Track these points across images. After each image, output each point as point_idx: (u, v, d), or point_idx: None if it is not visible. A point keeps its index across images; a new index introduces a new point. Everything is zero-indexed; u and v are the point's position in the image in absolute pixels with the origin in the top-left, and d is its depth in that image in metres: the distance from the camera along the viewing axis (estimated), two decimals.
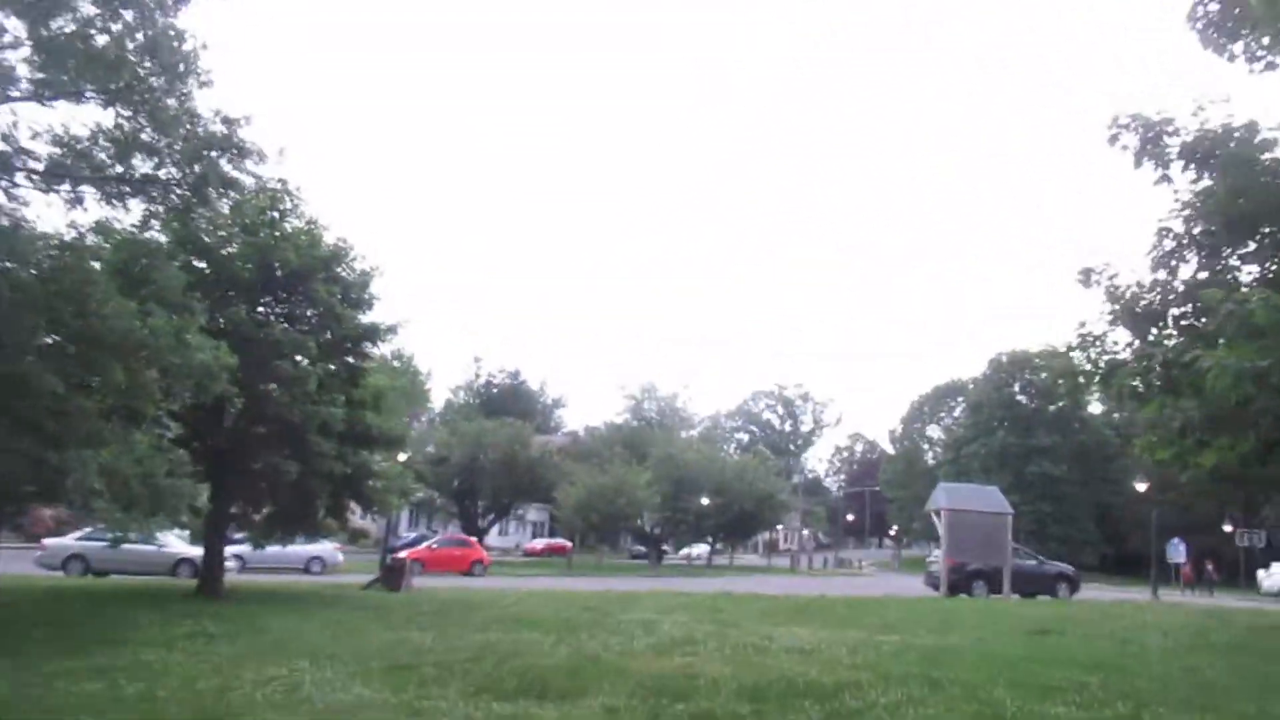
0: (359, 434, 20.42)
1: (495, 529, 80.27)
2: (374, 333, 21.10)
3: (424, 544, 41.61)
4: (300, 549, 36.10)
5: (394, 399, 23.67)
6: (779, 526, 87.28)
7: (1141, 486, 42.86)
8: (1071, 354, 12.45)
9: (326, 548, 36.68)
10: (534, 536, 78.06)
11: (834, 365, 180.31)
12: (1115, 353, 12.53)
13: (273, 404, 18.71)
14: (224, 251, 19.26)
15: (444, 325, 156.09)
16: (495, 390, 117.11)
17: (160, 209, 14.38)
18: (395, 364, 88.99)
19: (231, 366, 14.60)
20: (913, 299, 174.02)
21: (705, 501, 56.13)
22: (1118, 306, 12.55)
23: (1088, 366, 12.53)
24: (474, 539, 43.14)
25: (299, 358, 19.09)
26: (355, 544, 50.09)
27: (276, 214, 19.53)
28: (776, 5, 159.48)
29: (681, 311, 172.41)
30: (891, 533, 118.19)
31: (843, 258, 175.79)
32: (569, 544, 69.50)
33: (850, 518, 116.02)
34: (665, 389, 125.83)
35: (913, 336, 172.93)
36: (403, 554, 30.51)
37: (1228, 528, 58.76)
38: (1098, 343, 12.43)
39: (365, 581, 25.36)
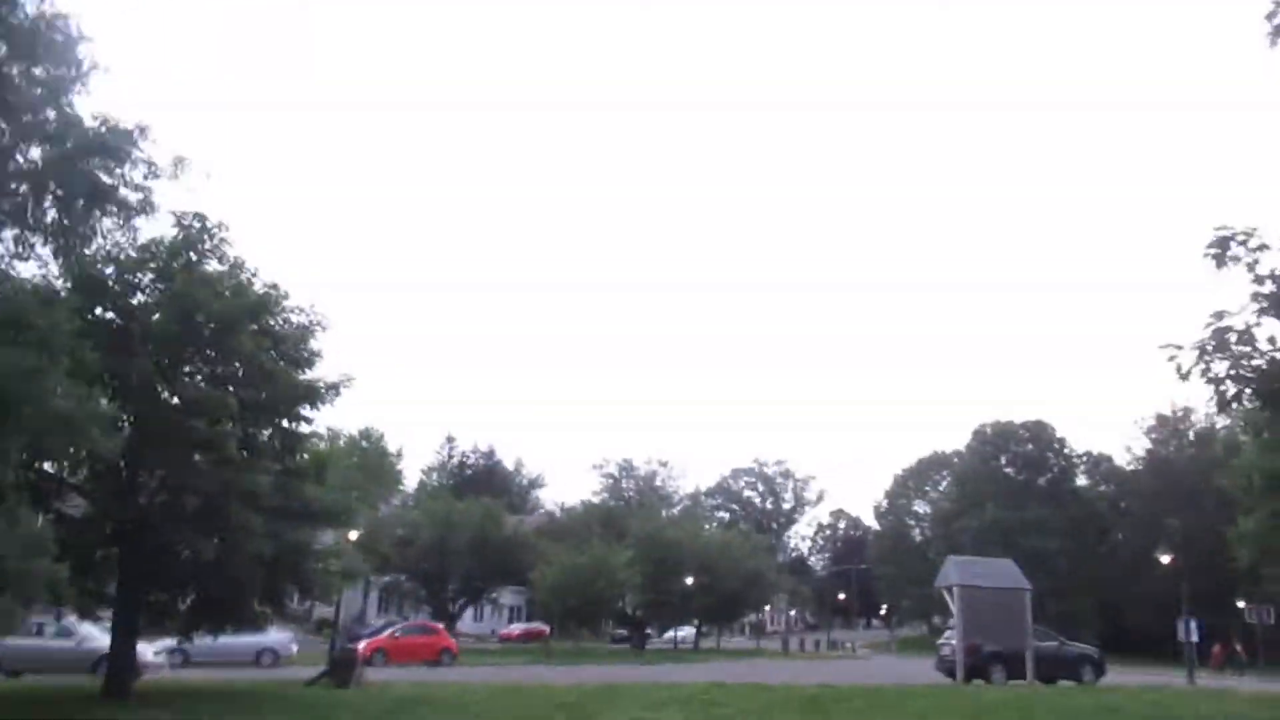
0: (295, 509, 17.65)
1: (469, 614, 76.53)
2: (312, 393, 18.37)
3: (386, 632, 38.23)
4: (250, 639, 33.05)
5: (343, 472, 20.92)
6: (766, 607, 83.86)
7: (1166, 558, 39.93)
8: (1206, 358, 9.60)
9: (280, 638, 33.44)
10: (510, 621, 74.43)
11: (814, 439, 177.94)
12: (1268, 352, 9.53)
13: (191, 473, 16.01)
14: (134, 300, 16.66)
15: (416, 405, 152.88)
16: (469, 471, 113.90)
17: (35, 238, 11.83)
18: (364, 443, 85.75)
19: (100, 419, 11.89)
20: (892, 370, 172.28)
21: (689, 581, 53.04)
22: (1272, 289, 9.35)
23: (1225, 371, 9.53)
24: (441, 625, 39.91)
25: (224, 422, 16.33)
26: (320, 633, 46.11)
27: (193, 255, 16.93)
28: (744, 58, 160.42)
29: (659, 388, 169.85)
30: (881, 612, 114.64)
31: (821, 329, 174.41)
32: (546, 629, 66.00)
33: (841, 596, 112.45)
34: (643, 467, 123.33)
35: (893, 408, 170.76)
36: (355, 643, 27.21)
37: (1241, 603, 55.73)
38: (1241, 339, 9.47)
39: (311, 676, 22.24)
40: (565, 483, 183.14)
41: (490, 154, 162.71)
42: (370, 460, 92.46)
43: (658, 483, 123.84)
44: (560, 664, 37.35)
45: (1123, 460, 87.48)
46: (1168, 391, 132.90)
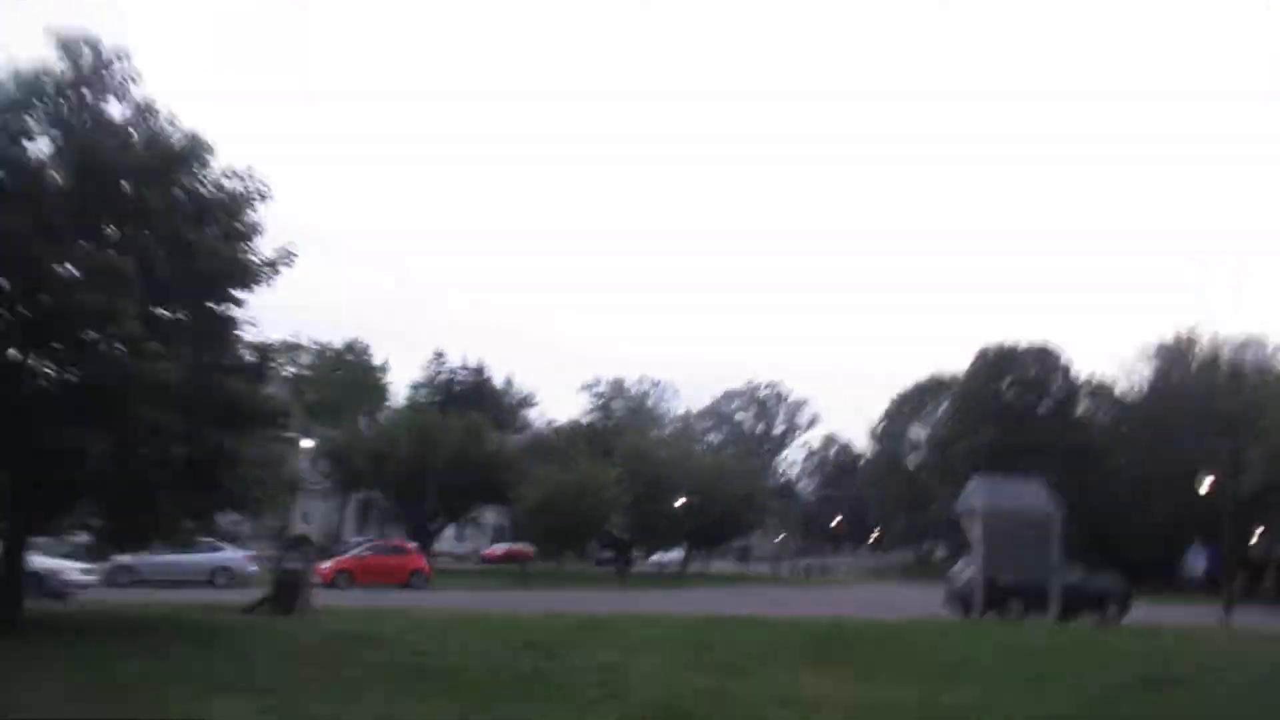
0: (219, 407, 14.82)
1: (450, 533, 74.41)
2: (242, 270, 15.43)
3: (353, 551, 35.78)
4: (203, 557, 30.68)
5: (294, 379, 18.08)
6: (757, 532, 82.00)
7: (1206, 482, 37.22)
8: None
9: (235, 556, 31.05)
10: (494, 541, 72.42)
11: (810, 360, 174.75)
12: None
13: (83, 358, 13.23)
14: (15, 150, 13.68)
15: (408, 320, 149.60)
16: (457, 388, 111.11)
17: None
18: (349, 356, 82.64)
19: None
20: (893, 290, 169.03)
21: (679, 503, 50.76)
22: None
23: None
24: (412, 545, 37.42)
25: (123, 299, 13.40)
26: (295, 550, 43.31)
27: (87, 91, 13.87)
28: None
29: (653, 307, 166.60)
30: (872, 538, 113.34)
31: (818, 245, 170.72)
32: (529, 551, 63.92)
33: (839, 519, 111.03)
34: (635, 388, 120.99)
35: (892, 329, 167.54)
36: (313, 563, 24.42)
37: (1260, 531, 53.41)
38: None
39: (251, 601, 19.70)
40: (556, 402, 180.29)
41: (482, 51, 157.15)
42: (354, 373, 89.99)
43: (649, 403, 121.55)
44: (538, 589, 35.13)
45: (1125, 387, 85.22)
46: (1172, 318, 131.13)
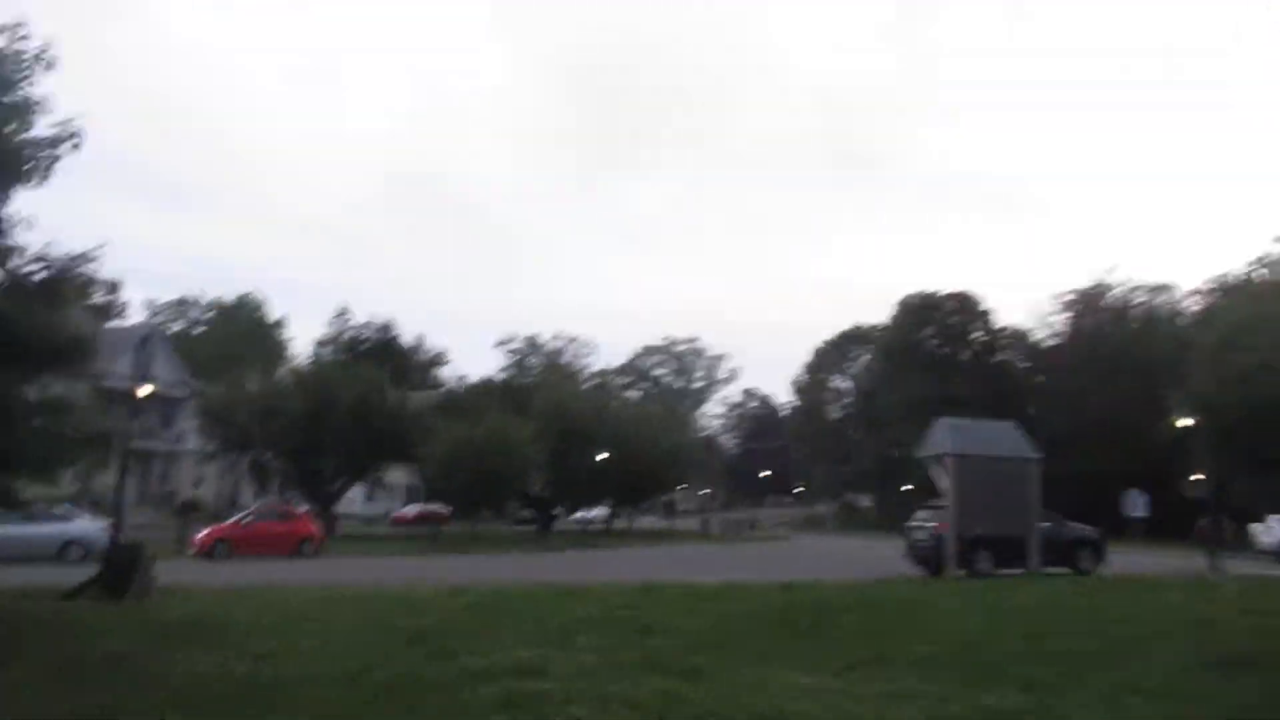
0: None
1: (359, 495, 70.05)
2: (15, 156, 11.52)
3: (232, 519, 31.72)
4: (51, 529, 26.56)
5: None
6: (682, 486, 79.27)
7: (1184, 420, 35.49)
8: None
9: (87, 527, 26.82)
10: (408, 503, 68.45)
11: (727, 316, 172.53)
12: None
13: None
14: None
15: (313, 276, 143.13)
16: (364, 346, 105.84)
17: None
18: (241, 311, 77.16)
19: None
20: (807, 240, 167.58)
21: (601, 457, 47.48)
22: None
23: None
24: (302, 509, 33.56)
25: None
26: (185, 517, 38.19)
27: None
28: None
29: (569, 265, 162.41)
30: (796, 491, 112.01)
31: (737, 198, 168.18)
32: (445, 511, 60.18)
33: (766, 474, 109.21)
34: (551, 344, 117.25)
35: (806, 281, 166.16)
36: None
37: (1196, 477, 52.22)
38: None
39: (76, 584, 15.84)
40: (469, 361, 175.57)
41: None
42: (248, 328, 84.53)
43: (566, 359, 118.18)
44: (448, 555, 31.64)
45: (1039, 336, 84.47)
46: (1085, 267, 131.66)
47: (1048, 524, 22.17)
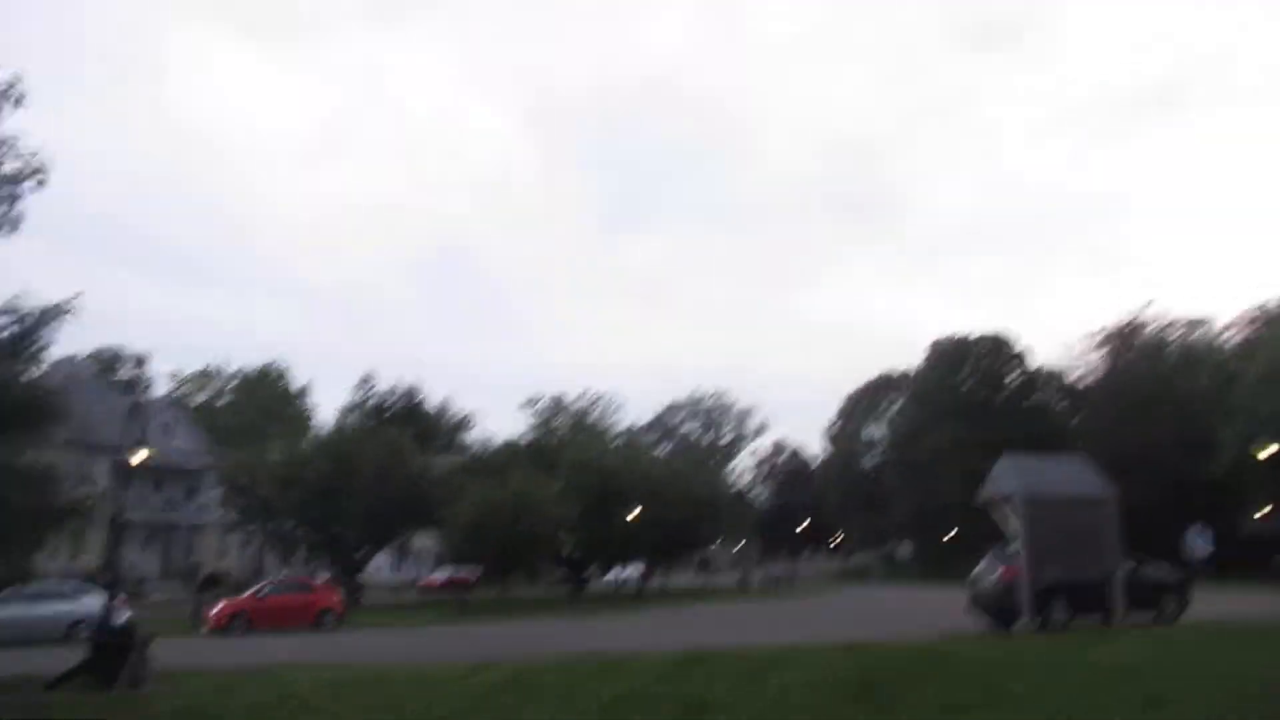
0: None
1: (386, 562, 68.30)
2: None
3: (249, 591, 30.17)
4: (59, 609, 25.20)
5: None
6: (718, 540, 77.02)
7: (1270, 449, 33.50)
8: None
9: (94, 605, 25.33)
10: (436, 568, 66.73)
11: (755, 369, 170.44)
12: None
13: None
14: None
15: (340, 347, 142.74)
16: (388, 413, 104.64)
17: None
18: (264, 380, 76.19)
19: None
20: (832, 291, 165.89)
21: (633, 514, 45.73)
22: None
23: None
24: (321, 580, 32.00)
25: None
26: (206, 591, 36.21)
27: None
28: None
29: (595, 325, 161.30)
30: (833, 543, 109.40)
31: (757, 249, 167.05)
32: (472, 577, 58.33)
33: (804, 525, 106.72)
34: (578, 404, 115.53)
35: (835, 331, 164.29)
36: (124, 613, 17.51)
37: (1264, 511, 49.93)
38: None
39: (61, 672, 14.36)
40: (499, 424, 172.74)
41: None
42: (271, 398, 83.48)
43: (593, 418, 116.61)
44: (477, 622, 29.98)
45: (1075, 374, 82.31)
46: (1115, 305, 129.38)
47: (1129, 566, 20.26)
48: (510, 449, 54.68)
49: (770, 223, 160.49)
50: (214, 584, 42.66)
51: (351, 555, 42.51)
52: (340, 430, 50.74)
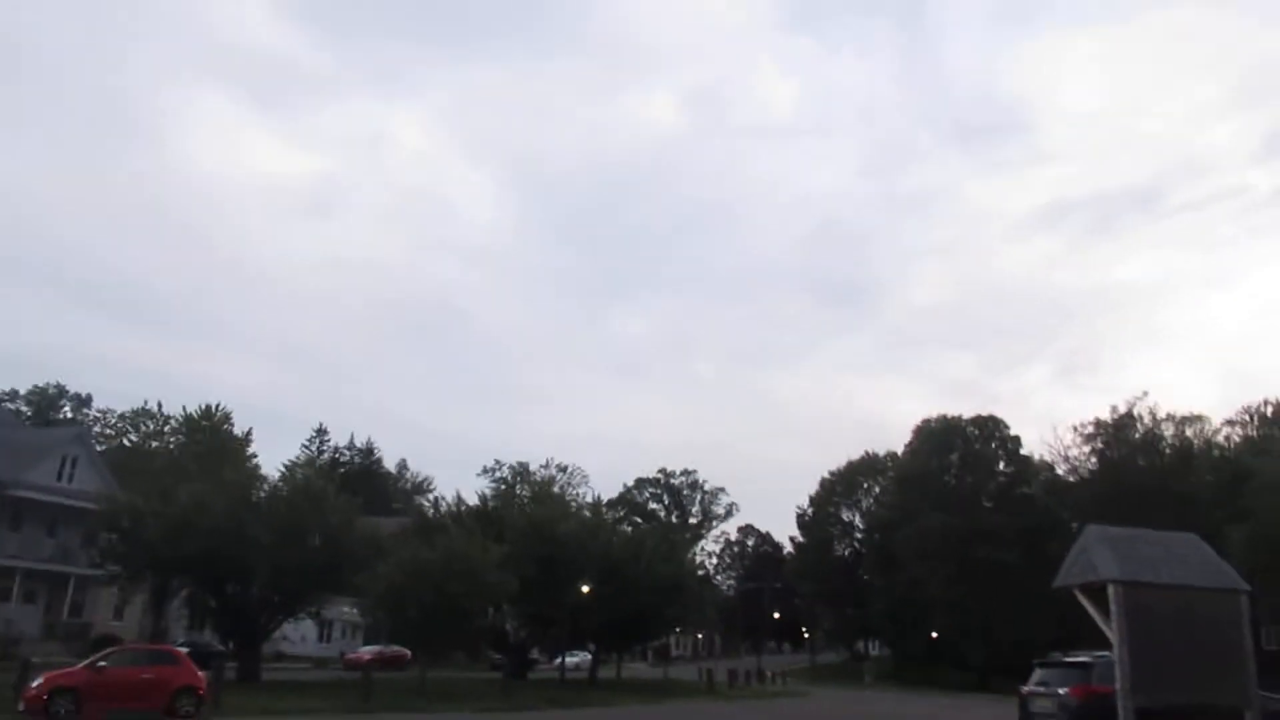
0: None
1: (310, 632, 61.40)
2: None
3: (85, 662, 23.66)
4: None
5: None
6: (679, 628, 70.64)
7: None
8: None
9: None
10: (368, 641, 60.14)
11: (725, 452, 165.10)
12: None
13: None
14: None
15: (290, 400, 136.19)
16: (343, 470, 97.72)
17: None
18: (203, 423, 69.16)
19: None
20: (806, 376, 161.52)
21: (586, 589, 39.69)
22: None
23: None
24: (182, 651, 25.56)
25: None
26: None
27: None
28: None
29: (571, 395, 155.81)
30: (803, 635, 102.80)
31: (732, 331, 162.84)
32: (408, 652, 51.71)
33: (776, 616, 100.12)
34: (541, 473, 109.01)
35: (808, 418, 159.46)
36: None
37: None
38: None
39: None
40: (463, 490, 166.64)
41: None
42: (212, 444, 76.38)
43: (555, 489, 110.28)
44: (380, 713, 23.93)
45: (1063, 468, 77.54)
46: (1093, 401, 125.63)
47: (1272, 699, 14.65)
48: (454, 511, 48.45)
49: (752, 304, 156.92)
50: (105, 647, 36.23)
51: (254, 621, 35.97)
52: (246, 471, 44.47)
